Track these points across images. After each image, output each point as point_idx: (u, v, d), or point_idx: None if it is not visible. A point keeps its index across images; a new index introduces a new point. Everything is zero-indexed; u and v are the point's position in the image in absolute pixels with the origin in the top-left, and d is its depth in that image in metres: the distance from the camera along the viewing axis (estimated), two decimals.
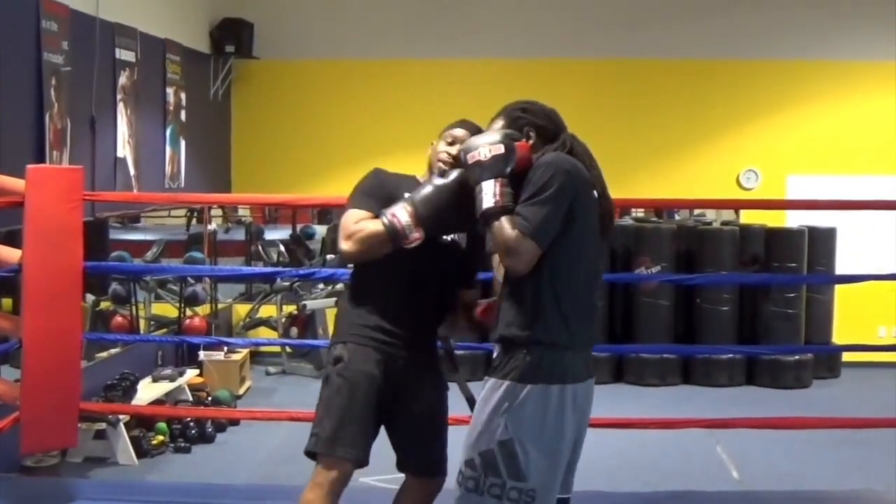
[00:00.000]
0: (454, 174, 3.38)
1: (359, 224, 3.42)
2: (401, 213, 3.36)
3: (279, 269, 9.62)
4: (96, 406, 6.37)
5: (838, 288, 9.92)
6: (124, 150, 7.90)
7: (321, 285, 9.91)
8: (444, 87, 10.42)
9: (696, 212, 11.98)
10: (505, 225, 3.07)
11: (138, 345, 7.94)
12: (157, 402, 7.42)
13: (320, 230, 11.93)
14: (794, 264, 9.50)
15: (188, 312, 8.93)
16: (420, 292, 3.57)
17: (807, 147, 10.39)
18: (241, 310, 10.63)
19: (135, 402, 7.05)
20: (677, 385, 9.49)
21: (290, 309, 10.02)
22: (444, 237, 3.55)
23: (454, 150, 3.46)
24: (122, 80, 7.83)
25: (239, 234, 11.57)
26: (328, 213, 12.50)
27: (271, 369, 9.77)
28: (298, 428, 6.14)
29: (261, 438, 7.29)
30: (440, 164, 3.52)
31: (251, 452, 7.09)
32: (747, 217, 10.38)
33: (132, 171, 8.04)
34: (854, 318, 9.94)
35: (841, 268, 9.69)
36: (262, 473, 6.60)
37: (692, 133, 10.48)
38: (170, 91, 8.92)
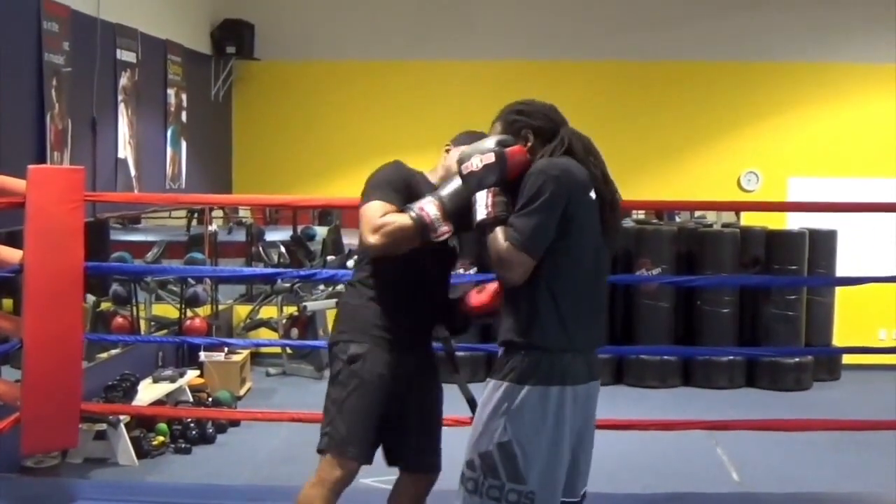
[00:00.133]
0: None
1: (386, 217, 3.37)
2: (429, 207, 3.35)
3: (280, 270, 9.62)
4: (97, 407, 6.37)
5: (839, 290, 9.92)
6: (125, 150, 7.91)
7: (322, 286, 9.91)
8: (444, 89, 10.42)
9: (697, 214, 11.99)
10: (498, 236, 3.07)
11: (139, 345, 7.94)
12: (158, 402, 7.42)
13: (321, 231, 11.94)
14: (794, 266, 9.50)
15: (189, 313, 8.93)
16: (426, 293, 3.60)
17: (808, 149, 10.39)
18: (242, 311, 10.64)
19: (135, 402, 7.05)
20: (677, 387, 9.49)
21: (291, 310, 10.02)
22: (451, 240, 3.55)
23: None
24: (123, 80, 7.84)
25: (240, 236, 11.57)
26: (329, 214, 12.51)
27: (272, 370, 9.77)
28: (299, 429, 6.16)
29: (261, 439, 7.29)
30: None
31: (251, 453, 7.09)
32: (748, 219, 10.38)
33: (133, 172, 8.05)
34: (854, 321, 9.95)
35: (841, 270, 9.69)
36: (263, 474, 6.60)
37: (693, 135, 10.48)
38: (171, 92, 8.92)
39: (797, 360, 9.54)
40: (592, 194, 3.14)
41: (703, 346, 9.50)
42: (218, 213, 11.23)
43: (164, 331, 9.04)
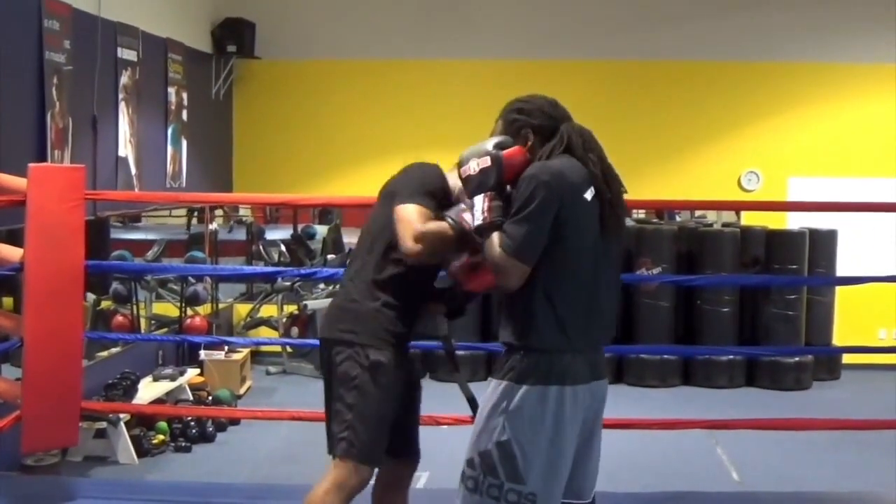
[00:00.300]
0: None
1: (429, 225, 3.35)
2: (469, 217, 3.28)
3: (280, 268, 9.61)
4: (97, 405, 6.37)
5: (839, 290, 9.92)
6: (126, 149, 7.91)
7: (322, 285, 9.91)
8: (445, 88, 10.42)
9: (697, 213, 12.00)
10: (493, 243, 3.07)
11: (139, 344, 7.94)
12: (158, 401, 7.43)
13: (321, 230, 11.95)
14: (794, 266, 9.50)
15: (189, 312, 8.94)
16: (430, 295, 3.64)
17: (808, 149, 10.39)
18: (242, 309, 10.64)
19: (135, 401, 7.06)
20: (677, 386, 9.49)
21: (291, 309, 10.03)
22: None
23: None
24: (124, 79, 7.84)
25: (240, 234, 11.58)
26: (329, 213, 12.52)
27: (272, 369, 9.77)
28: (299, 428, 6.17)
29: (261, 438, 7.29)
30: None
31: (251, 452, 7.09)
32: (748, 218, 10.38)
33: (133, 171, 8.05)
34: (854, 320, 9.95)
35: (841, 270, 9.69)
36: (263, 473, 6.61)
37: (693, 135, 10.48)
38: (171, 90, 8.92)
39: (797, 359, 9.54)
40: (589, 194, 3.10)
41: (704, 346, 9.50)
42: (218, 211, 11.22)
43: (165, 329, 9.04)
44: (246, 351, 8.98)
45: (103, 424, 6.65)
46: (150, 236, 11.09)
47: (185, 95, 9.20)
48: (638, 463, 6.72)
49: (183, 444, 7.13)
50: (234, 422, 7.65)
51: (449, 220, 3.33)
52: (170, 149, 8.93)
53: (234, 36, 10.03)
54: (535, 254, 3.03)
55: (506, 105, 3.32)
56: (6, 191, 5.15)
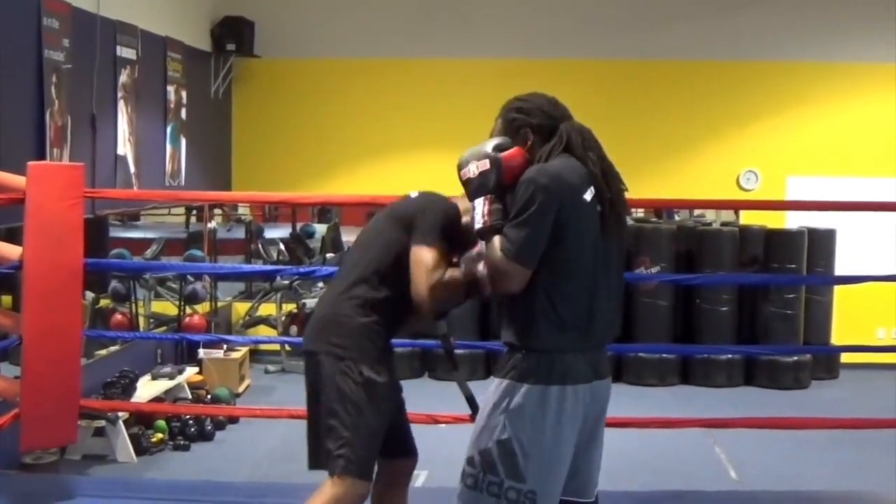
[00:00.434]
0: None
1: (447, 276, 3.39)
2: (483, 268, 3.30)
3: (279, 267, 9.61)
4: (96, 403, 6.36)
5: (837, 289, 9.92)
6: (125, 147, 7.91)
7: (321, 284, 9.91)
8: (444, 87, 10.43)
9: (696, 212, 12.00)
10: (494, 247, 3.06)
11: (138, 342, 7.95)
12: (157, 399, 7.43)
13: (320, 229, 11.92)
14: (793, 265, 9.51)
15: (188, 310, 8.94)
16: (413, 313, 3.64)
17: (807, 148, 10.40)
18: (241, 308, 10.64)
19: (134, 399, 7.06)
20: (676, 385, 9.50)
21: (290, 307, 10.03)
22: None
23: None
24: (123, 77, 7.84)
25: (239, 233, 11.57)
26: (328, 211, 12.51)
27: (270, 367, 9.77)
28: (297, 426, 6.14)
29: (260, 436, 7.29)
30: None
31: (250, 450, 7.09)
32: (747, 218, 10.39)
33: (132, 169, 8.05)
34: (853, 320, 9.96)
35: (840, 269, 9.69)
36: (262, 471, 6.61)
37: (692, 134, 10.49)
38: (170, 89, 8.92)
39: (796, 358, 9.55)
40: (588, 195, 3.09)
41: (702, 345, 9.52)
42: (217, 210, 11.22)
43: (163, 328, 9.04)
44: (245, 349, 8.98)
45: (102, 423, 6.66)
46: (149, 235, 11.08)
47: (184, 94, 9.20)
48: (636, 461, 6.72)
49: (182, 442, 7.14)
50: (233, 420, 7.65)
51: (465, 267, 3.37)
52: (169, 147, 8.94)
53: (234, 34, 10.03)
54: (535, 257, 3.02)
55: (505, 104, 3.30)
56: (5, 189, 5.15)
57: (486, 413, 3.12)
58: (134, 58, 8.00)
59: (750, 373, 9.59)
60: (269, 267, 9.83)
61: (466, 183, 3.19)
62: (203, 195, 9.11)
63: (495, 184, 3.13)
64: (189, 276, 8.83)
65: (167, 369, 7.81)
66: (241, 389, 8.71)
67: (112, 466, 6.61)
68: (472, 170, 3.16)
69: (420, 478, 5.55)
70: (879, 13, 10.00)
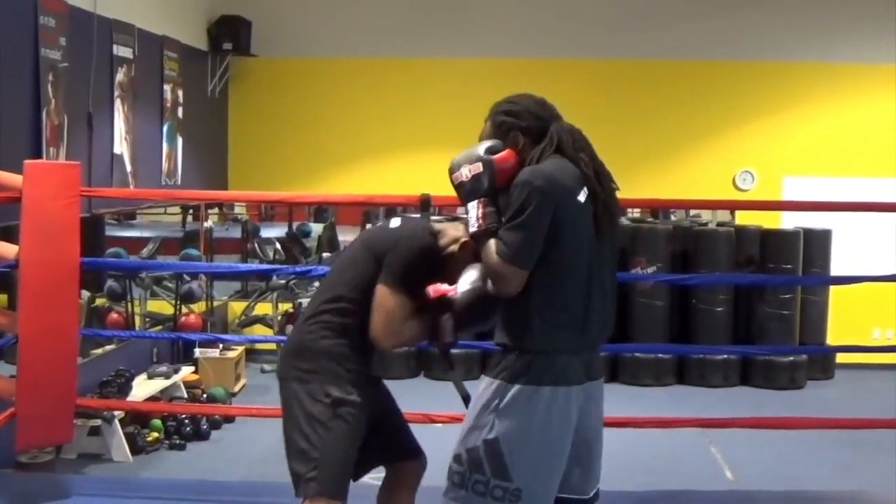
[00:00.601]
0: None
1: (406, 327, 3.38)
2: (447, 323, 3.33)
3: (275, 266, 9.60)
4: (92, 402, 6.36)
5: (833, 289, 9.93)
6: (121, 146, 7.91)
7: (317, 283, 9.89)
8: (442, 87, 10.43)
9: (692, 212, 11.99)
10: (490, 250, 3.07)
11: (134, 341, 7.94)
12: (153, 398, 7.43)
13: (316, 228, 11.93)
14: (789, 266, 9.51)
15: (184, 309, 8.93)
16: None
17: (803, 149, 10.41)
18: (237, 307, 10.63)
19: (130, 398, 7.05)
20: (672, 385, 9.51)
21: (286, 307, 10.02)
22: None
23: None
24: (120, 76, 7.83)
25: (235, 232, 11.57)
26: (324, 211, 12.51)
27: (266, 367, 9.76)
28: None
29: (256, 436, 7.29)
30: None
31: (246, 450, 7.09)
32: (743, 218, 10.39)
33: (129, 168, 8.05)
34: (848, 320, 9.97)
35: (836, 269, 9.70)
36: (257, 471, 6.60)
37: (689, 134, 10.49)
38: (167, 88, 8.92)
39: (791, 358, 9.56)
40: (582, 196, 3.10)
41: (698, 345, 9.53)
42: (213, 209, 11.22)
43: (159, 327, 9.04)
44: (241, 349, 8.98)
45: (98, 422, 6.65)
46: (145, 234, 11.07)
47: (180, 93, 9.19)
48: (632, 461, 6.73)
49: (177, 441, 7.13)
50: (229, 419, 7.65)
51: (427, 320, 3.37)
52: (165, 146, 8.93)
53: (231, 33, 10.02)
54: (532, 259, 3.03)
55: (493, 106, 3.30)
56: (2, 187, 5.16)
57: (475, 412, 3.13)
58: (130, 57, 8.00)
59: (746, 373, 9.60)
60: (265, 266, 9.82)
61: (459, 186, 3.19)
62: (199, 194, 9.11)
63: (488, 187, 3.14)
64: (185, 276, 8.82)
65: (163, 368, 7.81)
66: (237, 389, 8.71)
67: (108, 466, 6.61)
68: (465, 173, 3.16)
69: None
70: (876, 14, 10.01)
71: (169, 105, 8.97)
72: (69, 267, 5.17)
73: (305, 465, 3.40)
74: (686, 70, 10.41)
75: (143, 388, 7.40)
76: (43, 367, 5.10)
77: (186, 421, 7.29)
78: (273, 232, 12.08)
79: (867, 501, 5.76)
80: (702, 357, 9.50)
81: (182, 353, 8.77)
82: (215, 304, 9.94)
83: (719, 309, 9.55)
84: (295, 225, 12.28)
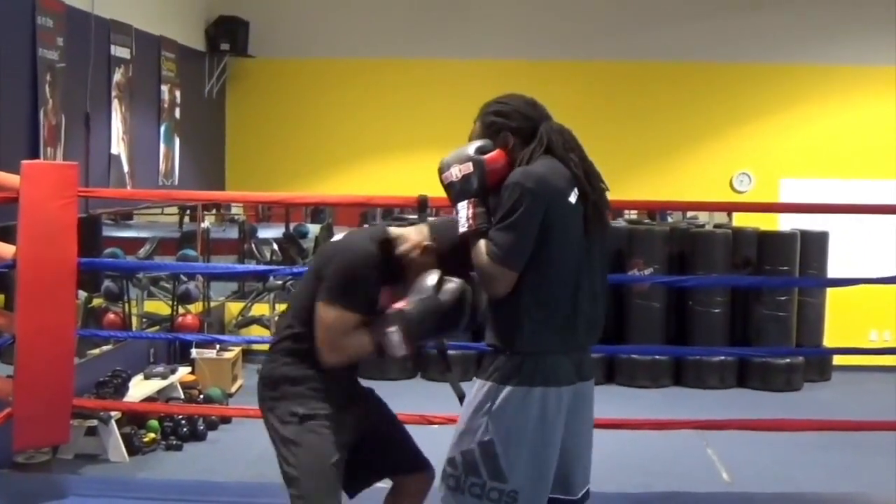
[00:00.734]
0: (445, 287, 3.27)
1: (349, 340, 3.30)
2: (394, 337, 3.25)
3: (272, 267, 9.60)
4: (89, 402, 6.36)
5: (830, 291, 9.93)
6: (118, 146, 7.91)
7: None
8: (440, 88, 10.42)
9: (689, 214, 11.99)
10: (480, 251, 3.07)
11: (130, 342, 7.93)
12: (149, 399, 7.43)
13: (313, 229, 11.93)
14: (786, 267, 9.52)
15: (181, 310, 8.93)
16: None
17: (800, 151, 10.41)
18: (234, 308, 10.63)
19: (126, 399, 7.05)
20: (668, 386, 9.51)
21: (283, 307, 9.97)
22: None
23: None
24: (117, 76, 7.84)
25: (232, 233, 11.56)
26: (321, 212, 12.51)
27: None
28: None
29: (252, 437, 7.23)
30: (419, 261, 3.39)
31: (243, 450, 7.08)
32: (740, 220, 10.39)
33: (126, 168, 8.05)
34: (845, 322, 9.97)
35: (833, 271, 9.70)
36: (254, 472, 6.59)
37: (686, 135, 10.50)
38: (164, 88, 8.92)
39: (788, 360, 9.56)
40: (573, 197, 3.10)
41: (695, 346, 9.53)
42: (211, 209, 11.21)
43: (156, 327, 9.03)
44: (237, 349, 8.98)
45: (94, 422, 6.64)
46: (142, 234, 11.05)
47: (178, 93, 9.19)
48: (628, 463, 6.73)
49: (174, 442, 7.13)
50: (226, 420, 7.64)
51: (373, 335, 3.28)
52: (162, 147, 8.93)
53: (228, 34, 10.02)
54: (522, 261, 3.03)
55: (482, 107, 3.29)
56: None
57: (468, 414, 3.13)
58: (128, 57, 8.00)
59: (742, 374, 9.61)
60: (262, 267, 9.82)
61: (448, 186, 3.19)
62: (196, 195, 9.10)
63: (478, 187, 3.13)
64: (182, 276, 8.82)
65: (160, 369, 7.80)
66: (233, 389, 8.70)
67: (104, 466, 6.60)
68: (455, 173, 3.16)
69: None
70: (874, 16, 10.03)
71: (166, 105, 8.97)
72: (66, 267, 5.17)
73: (291, 486, 3.39)
74: (683, 72, 10.42)
75: (139, 388, 7.40)
76: (40, 368, 5.10)
77: (183, 421, 7.28)
78: (270, 233, 12.08)
79: (864, 503, 5.77)
80: (698, 359, 9.50)
81: (179, 354, 8.76)
82: (212, 304, 9.93)
83: (716, 310, 9.55)
84: (292, 226, 12.28)
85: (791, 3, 10.28)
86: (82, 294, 7.75)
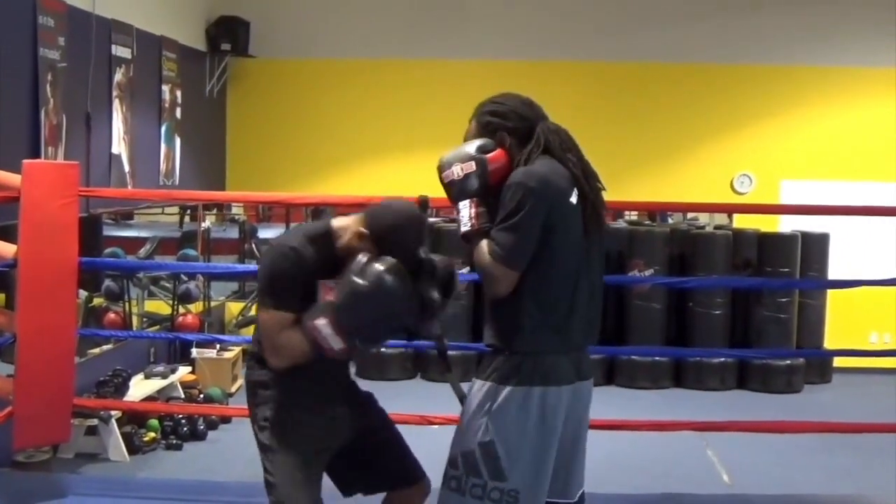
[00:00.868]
0: (370, 269, 3.14)
1: (283, 338, 3.24)
2: (324, 328, 3.15)
3: None
4: (89, 402, 6.37)
5: (830, 293, 9.94)
6: (119, 146, 7.91)
7: None
8: (439, 88, 10.43)
9: (690, 215, 11.99)
10: (482, 250, 3.07)
11: (131, 341, 7.93)
12: (149, 398, 7.43)
13: None
14: (786, 269, 9.51)
15: (181, 310, 8.93)
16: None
17: (801, 152, 10.42)
18: (234, 308, 10.62)
19: (127, 398, 7.05)
20: (669, 388, 9.50)
21: None
22: None
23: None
24: (118, 76, 7.84)
25: (232, 232, 11.56)
26: (322, 212, 12.47)
27: None
28: None
29: (252, 437, 7.27)
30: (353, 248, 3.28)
31: (243, 450, 7.05)
32: (740, 221, 10.39)
33: (127, 168, 8.05)
34: (846, 324, 9.97)
35: (833, 273, 9.70)
36: (253, 471, 6.53)
37: (687, 137, 10.50)
38: (165, 88, 8.92)
39: (788, 362, 9.56)
40: (573, 197, 3.10)
41: (695, 348, 9.52)
42: (211, 209, 11.21)
43: (157, 327, 9.03)
44: (238, 349, 8.97)
45: (94, 421, 6.64)
46: (143, 234, 11.05)
47: (178, 93, 9.20)
48: (628, 464, 6.74)
49: (174, 441, 7.13)
50: (226, 420, 7.64)
51: (305, 328, 3.19)
52: (163, 146, 8.93)
53: (229, 34, 10.02)
54: (524, 261, 3.03)
55: (478, 106, 3.28)
56: (0, 187, 5.15)
57: (468, 415, 3.13)
58: (129, 57, 8.00)
59: (743, 376, 9.60)
60: None
61: (449, 185, 3.18)
62: (197, 195, 9.10)
63: (479, 186, 3.12)
64: (183, 276, 8.81)
65: (160, 368, 7.80)
66: (233, 389, 8.70)
67: (104, 465, 6.60)
68: (456, 172, 3.14)
69: None
70: (874, 18, 10.03)
71: (167, 105, 8.97)
72: (67, 266, 5.17)
73: (270, 493, 3.38)
74: (684, 73, 10.42)
75: (139, 388, 7.40)
76: (40, 367, 5.11)
77: (183, 421, 7.29)
78: (270, 233, 12.06)
79: None
80: (699, 360, 9.49)
81: (179, 354, 8.76)
82: (212, 304, 9.93)
83: (716, 312, 9.55)
84: (292, 226, 12.27)
85: (791, 5, 10.28)
86: (83, 293, 7.74)
